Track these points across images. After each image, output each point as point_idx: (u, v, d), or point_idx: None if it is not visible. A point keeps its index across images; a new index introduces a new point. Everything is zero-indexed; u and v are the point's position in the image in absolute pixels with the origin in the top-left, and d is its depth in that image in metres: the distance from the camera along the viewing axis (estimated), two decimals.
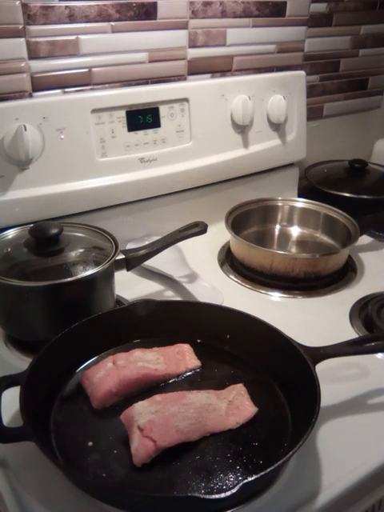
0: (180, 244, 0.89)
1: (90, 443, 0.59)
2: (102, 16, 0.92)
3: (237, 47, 1.11)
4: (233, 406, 0.62)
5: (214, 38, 1.07)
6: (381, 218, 1.07)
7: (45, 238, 0.74)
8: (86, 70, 0.95)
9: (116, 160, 0.95)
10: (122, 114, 0.94)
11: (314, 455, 0.60)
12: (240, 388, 0.65)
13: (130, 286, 0.89)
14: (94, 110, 0.91)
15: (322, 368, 0.63)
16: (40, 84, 0.91)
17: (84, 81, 0.95)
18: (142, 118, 0.97)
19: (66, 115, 0.88)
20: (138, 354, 0.69)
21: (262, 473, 0.50)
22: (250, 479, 0.50)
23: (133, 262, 0.81)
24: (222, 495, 0.48)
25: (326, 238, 1.10)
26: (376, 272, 1.00)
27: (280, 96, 1.10)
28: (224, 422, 0.61)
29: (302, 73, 1.17)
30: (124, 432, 0.60)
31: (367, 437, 0.63)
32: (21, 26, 0.86)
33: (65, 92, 0.94)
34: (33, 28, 0.87)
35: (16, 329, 0.76)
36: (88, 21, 0.91)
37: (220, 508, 0.53)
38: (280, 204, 1.13)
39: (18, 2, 0.84)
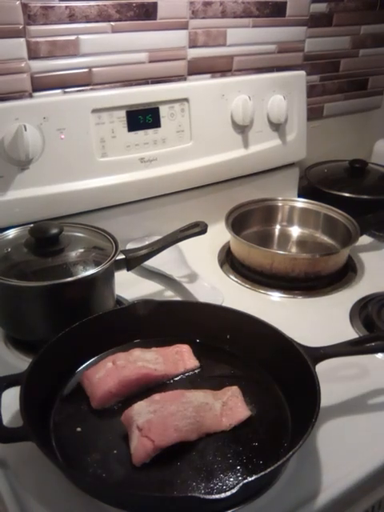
0: (180, 244, 0.89)
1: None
2: (102, 16, 0.92)
3: (237, 47, 1.11)
4: (226, 407, 0.62)
5: (214, 38, 1.07)
6: (381, 218, 1.06)
7: (45, 238, 0.74)
8: (86, 70, 0.95)
9: (116, 160, 0.95)
10: (122, 114, 0.94)
11: (314, 455, 0.60)
12: (235, 390, 0.65)
13: (129, 286, 0.89)
14: (94, 110, 0.91)
15: (322, 368, 0.63)
16: (40, 84, 0.91)
17: (84, 81, 0.95)
18: (142, 118, 0.97)
19: (66, 115, 0.88)
20: (137, 353, 0.69)
21: (262, 473, 0.50)
22: (249, 479, 0.50)
23: (133, 261, 0.81)
24: (222, 495, 0.48)
25: (326, 238, 1.10)
26: (376, 272, 1.00)
27: (280, 96, 1.10)
28: (218, 422, 0.61)
29: (302, 73, 1.17)
30: (124, 432, 0.60)
31: (367, 437, 0.63)
32: (21, 26, 0.86)
33: (65, 92, 0.94)
34: (33, 28, 0.87)
35: (16, 329, 0.76)
36: (88, 21, 0.91)
37: (220, 508, 0.53)
38: (280, 204, 1.13)
39: (18, 2, 0.84)
